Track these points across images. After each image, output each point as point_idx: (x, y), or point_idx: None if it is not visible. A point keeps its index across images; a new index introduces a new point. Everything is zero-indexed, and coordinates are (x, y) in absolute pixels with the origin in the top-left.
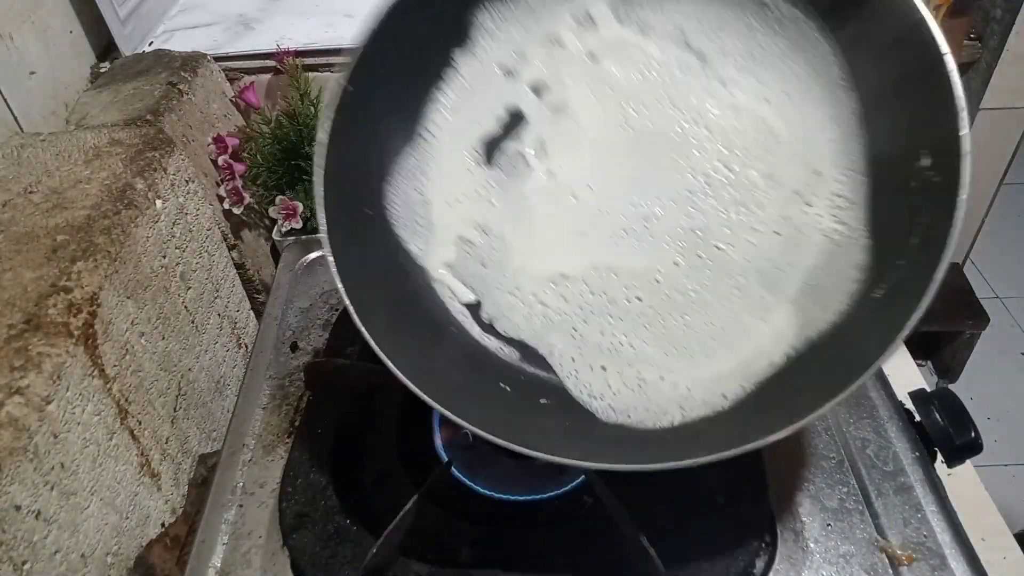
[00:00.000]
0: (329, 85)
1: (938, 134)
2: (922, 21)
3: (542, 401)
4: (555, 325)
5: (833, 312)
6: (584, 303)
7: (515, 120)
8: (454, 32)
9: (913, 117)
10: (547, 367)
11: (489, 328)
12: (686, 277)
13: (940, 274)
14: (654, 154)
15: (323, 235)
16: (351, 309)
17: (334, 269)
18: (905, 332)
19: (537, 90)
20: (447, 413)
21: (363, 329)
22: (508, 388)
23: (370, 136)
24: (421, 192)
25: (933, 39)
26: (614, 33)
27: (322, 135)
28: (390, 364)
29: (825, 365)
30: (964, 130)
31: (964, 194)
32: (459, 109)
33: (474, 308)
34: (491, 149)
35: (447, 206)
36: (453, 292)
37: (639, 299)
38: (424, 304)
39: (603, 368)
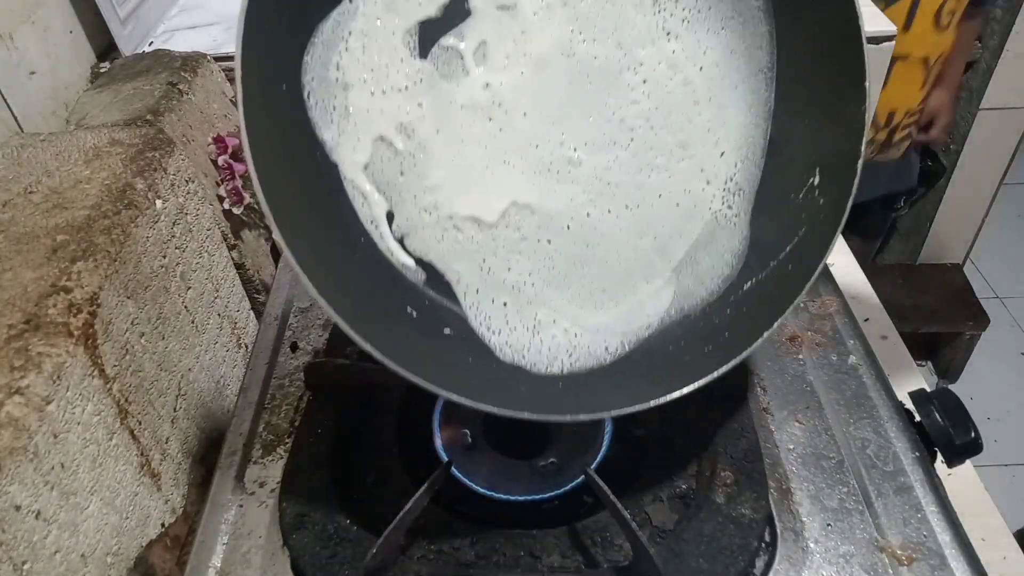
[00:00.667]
0: None
1: (833, 153)
2: (853, 15)
3: (445, 331)
4: (465, 253)
5: (707, 291)
6: (497, 236)
7: (457, 10)
8: None
9: (817, 129)
10: (451, 296)
11: (398, 244)
12: (593, 228)
13: (798, 296)
14: (590, 93)
15: (240, 106)
16: (257, 183)
17: (245, 142)
18: (747, 351)
19: None
20: (349, 331)
21: (269, 213)
22: (414, 313)
23: None
24: (341, 70)
25: (858, 37)
26: None
27: None
28: (291, 257)
29: (694, 343)
30: (858, 156)
31: (840, 227)
32: None
33: (386, 219)
34: (426, 40)
35: (369, 95)
36: (365, 197)
37: (548, 241)
38: (333, 204)
39: (504, 304)
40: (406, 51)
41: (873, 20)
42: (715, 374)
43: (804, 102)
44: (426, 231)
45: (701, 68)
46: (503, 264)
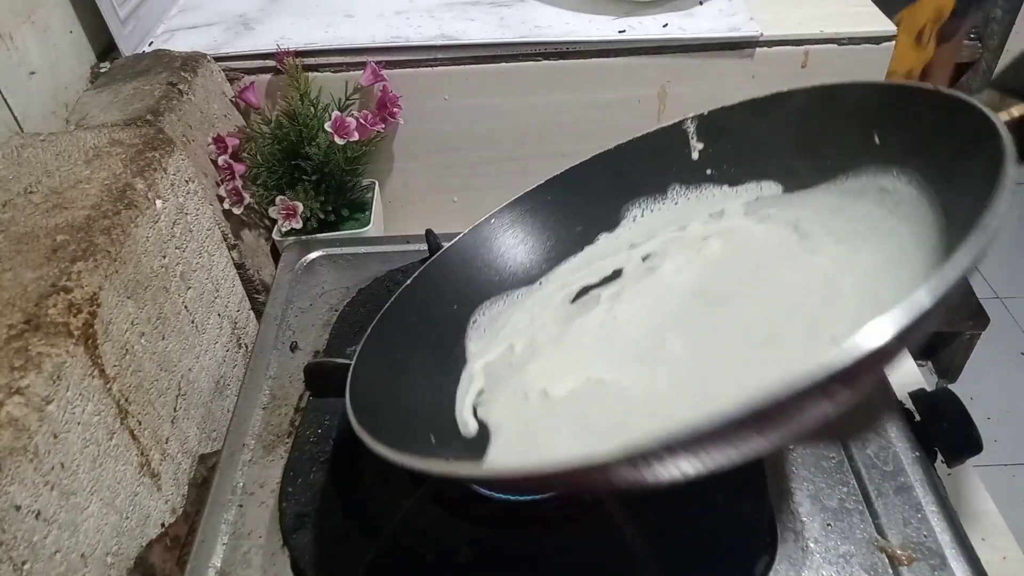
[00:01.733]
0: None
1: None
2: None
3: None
4: (518, 414)
5: None
6: (556, 409)
7: (615, 275)
8: (607, 219)
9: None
10: (483, 446)
11: (471, 411)
12: (658, 400)
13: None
14: (710, 310)
15: None
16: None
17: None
18: None
19: (644, 256)
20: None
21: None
22: (433, 440)
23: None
24: (506, 315)
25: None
26: (735, 222)
27: None
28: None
29: None
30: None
31: None
32: (579, 268)
33: (475, 393)
34: (581, 294)
35: (514, 327)
36: (472, 381)
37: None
38: (445, 378)
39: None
40: (560, 303)
41: (873, 20)
42: None
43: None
44: (500, 403)
45: (852, 268)
46: (548, 434)
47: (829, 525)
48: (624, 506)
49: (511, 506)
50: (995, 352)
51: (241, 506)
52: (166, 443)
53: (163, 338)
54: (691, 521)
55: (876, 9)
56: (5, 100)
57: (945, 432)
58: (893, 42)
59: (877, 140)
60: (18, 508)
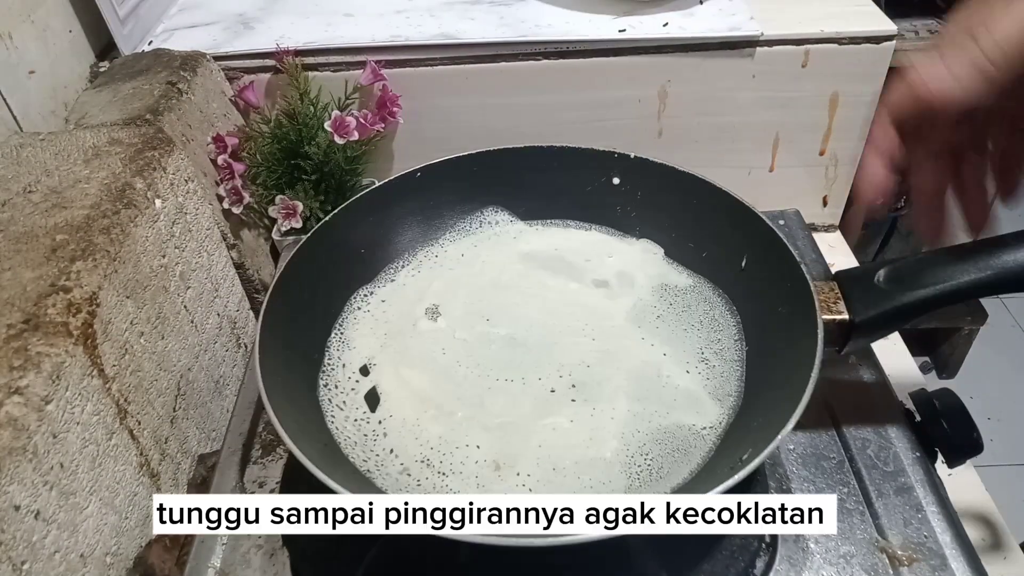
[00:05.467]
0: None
1: (761, 443)
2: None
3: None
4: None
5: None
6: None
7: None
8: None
9: (762, 426)
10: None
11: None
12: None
13: None
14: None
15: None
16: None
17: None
18: None
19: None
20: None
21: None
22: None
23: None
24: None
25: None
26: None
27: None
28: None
29: None
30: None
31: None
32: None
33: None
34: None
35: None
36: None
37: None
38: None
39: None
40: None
41: (873, 20)
42: None
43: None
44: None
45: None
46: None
47: None
48: None
49: None
50: (995, 352)
51: None
52: (165, 443)
53: (162, 338)
54: None
55: (877, 9)
56: (4, 99)
57: (945, 432)
58: (893, 42)
59: (743, 264)
60: (17, 508)
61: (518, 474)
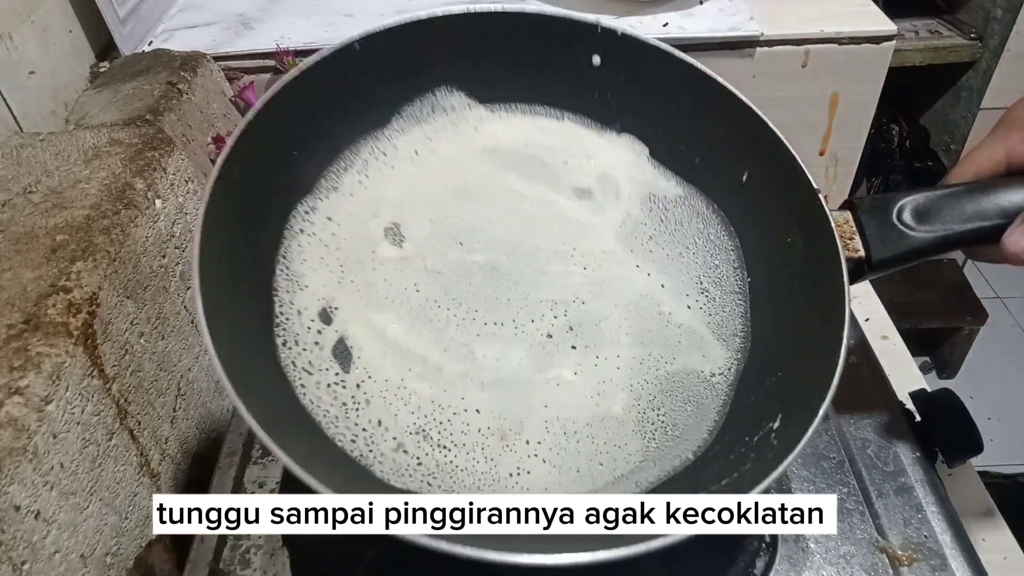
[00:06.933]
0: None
1: (794, 408)
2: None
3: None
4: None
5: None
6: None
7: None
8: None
9: (785, 383)
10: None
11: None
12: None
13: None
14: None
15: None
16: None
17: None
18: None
19: None
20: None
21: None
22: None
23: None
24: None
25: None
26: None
27: None
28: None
29: None
30: (820, 411)
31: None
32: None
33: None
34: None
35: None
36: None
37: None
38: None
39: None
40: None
41: (873, 20)
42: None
43: (778, 340)
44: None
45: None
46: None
47: None
48: None
49: None
50: (995, 352)
51: None
52: (166, 443)
53: (163, 338)
54: None
55: (876, 8)
56: (4, 100)
57: (945, 432)
58: (893, 42)
59: (744, 179)
60: (17, 508)
61: (527, 443)
